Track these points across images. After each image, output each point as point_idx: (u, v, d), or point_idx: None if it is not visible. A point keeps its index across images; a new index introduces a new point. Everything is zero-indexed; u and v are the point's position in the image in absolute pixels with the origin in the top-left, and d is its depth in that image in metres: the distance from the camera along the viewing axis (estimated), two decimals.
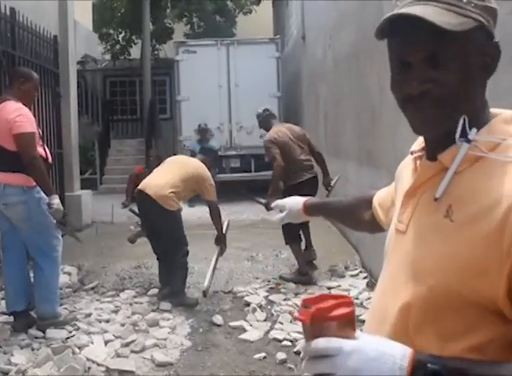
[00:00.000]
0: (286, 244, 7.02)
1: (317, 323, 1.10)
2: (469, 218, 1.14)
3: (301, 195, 2.30)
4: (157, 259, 6.38)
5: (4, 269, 5.24)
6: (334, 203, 2.20)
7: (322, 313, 1.10)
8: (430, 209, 1.24)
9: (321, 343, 1.07)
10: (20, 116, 4.72)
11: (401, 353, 1.06)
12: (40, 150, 4.92)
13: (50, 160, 5.23)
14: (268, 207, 6.82)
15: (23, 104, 4.90)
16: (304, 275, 6.80)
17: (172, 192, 5.92)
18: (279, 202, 2.36)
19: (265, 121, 7.42)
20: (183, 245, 6.11)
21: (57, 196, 4.97)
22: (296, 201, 2.26)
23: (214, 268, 6.24)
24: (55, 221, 5.02)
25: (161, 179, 6.06)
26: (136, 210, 6.53)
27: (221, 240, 6.48)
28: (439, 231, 1.20)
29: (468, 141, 1.20)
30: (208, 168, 6.41)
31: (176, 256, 6.03)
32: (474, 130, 1.20)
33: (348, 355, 1.05)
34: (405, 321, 1.23)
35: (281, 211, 2.31)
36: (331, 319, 1.10)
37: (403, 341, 1.13)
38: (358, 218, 1.91)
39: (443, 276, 1.16)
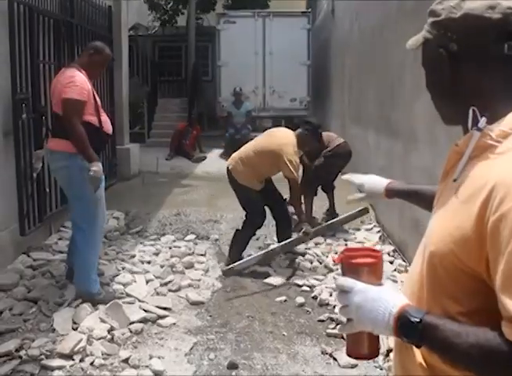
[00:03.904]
0: (325, 191, 7.08)
1: (344, 265, 1.34)
2: (466, 197, 1.16)
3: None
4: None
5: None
6: (416, 191, 1.91)
7: (346, 259, 1.34)
8: (450, 188, 1.25)
9: (340, 280, 1.29)
10: (71, 83, 4.32)
11: (395, 302, 1.20)
12: (92, 118, 4.47)
13: (107, 129, 4.66)
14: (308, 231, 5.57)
15: (88, 74, 4.55)
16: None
17: None
18: (356, 180, 2.06)
19: None
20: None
21: (99, 163, 4.38)
22: (375, 183, 1.98)
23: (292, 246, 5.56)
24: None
25: None
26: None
27: None
28: (448, 206, 1.23)
29: (479, 129, 1.19)
30: None
31: None
32: (484, 119, 1.19)
33: (356, 293, 1.24)
34: (420, 283, 1.28)
35: (359, 190, 2.04)
36: (352, 264, 1.32)
37: (420, 299, 1.26)
38: None
39: (439, 244, 1.19)
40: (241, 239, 5.71)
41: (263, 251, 5.55)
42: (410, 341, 1.18)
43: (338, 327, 1.46)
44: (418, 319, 1.14)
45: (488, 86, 1.24)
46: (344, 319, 1.31)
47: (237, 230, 5.78)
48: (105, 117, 4.65)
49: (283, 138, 5.58)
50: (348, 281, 1.27)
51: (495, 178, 1.10)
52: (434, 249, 1.21)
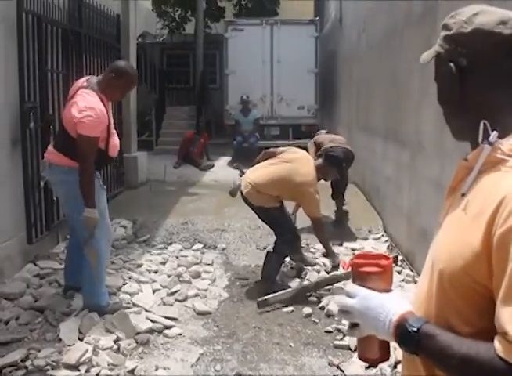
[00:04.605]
0: (333, 199, 7.25)
1: (353, 272, 1.35)
2: (476, 212, 1.13)
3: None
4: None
5: (67, 250, 4.97)
6: None
7: (355, 266, 1.34)
8: (458, 203, 1.23)
9: (348, 286, 1.32)
10: (89, 117, 4.02)
11: (396, 310, 1.20)
12: (101, 143, 4.25)
13: (113, 154, 4.50)
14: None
15: (107, 97, 4.30)
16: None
17: None
18: None
19: None
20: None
21: (94, 211, 4.14)
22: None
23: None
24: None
25: None
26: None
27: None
28: (457, 222, 1.20)
29: (490, 143, 1.17)
30: None
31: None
32: (495, 133, 1.17)
33: (360, 299, 1.25)
34: (429, 303, 1.26)
35: None
36: (360, 272, 1.32)
37: (429, 317, 1.21)
38: None
39: (449, 262, 1.17)
40: (275, 260, 5.37)
41: (298, 287, 5.21)
42: (407, 349, 1.18)
43: (345, 330, 1.50)
44: (415, 329, 1.15)
45: (498, 101, 1.22)
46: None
47: (268, 252, 5.48)
48: (114, 142, 4.46)
49: (304, 172, 5.21)
50: (354, 288, 1.29)
51: (505, 191, 1.08)
52: (444, 267, 1.19)
